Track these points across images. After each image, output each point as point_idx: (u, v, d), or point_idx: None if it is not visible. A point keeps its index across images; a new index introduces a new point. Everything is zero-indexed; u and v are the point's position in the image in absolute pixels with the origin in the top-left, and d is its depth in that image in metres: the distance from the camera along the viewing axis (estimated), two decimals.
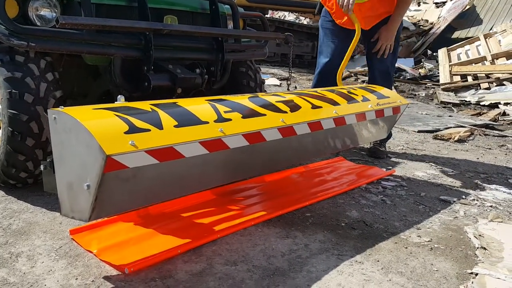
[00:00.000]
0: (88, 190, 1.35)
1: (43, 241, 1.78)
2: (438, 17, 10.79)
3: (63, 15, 2.10)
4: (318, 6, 3.34)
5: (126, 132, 1.40)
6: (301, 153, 2.33)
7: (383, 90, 2.83)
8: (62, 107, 1.43)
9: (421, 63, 9.17)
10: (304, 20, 11.93)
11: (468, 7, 10.56)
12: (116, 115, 1.46)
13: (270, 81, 7.29)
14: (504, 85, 6.72)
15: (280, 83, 7.29)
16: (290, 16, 13.16)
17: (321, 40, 3.35)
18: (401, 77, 8.30)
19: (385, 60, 3.20)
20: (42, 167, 1.58)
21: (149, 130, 1.47)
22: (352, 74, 8.66)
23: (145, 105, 1.63)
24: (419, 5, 12.14)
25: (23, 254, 1.68)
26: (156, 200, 1.67)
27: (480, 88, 6.97)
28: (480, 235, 2.08)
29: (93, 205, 1.36)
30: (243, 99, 1.99)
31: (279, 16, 12.88)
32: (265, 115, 1.92)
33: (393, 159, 3.33)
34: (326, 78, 3.24)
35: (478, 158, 3.58)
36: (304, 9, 10.26)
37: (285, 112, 2.02)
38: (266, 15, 10.68)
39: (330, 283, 1.61)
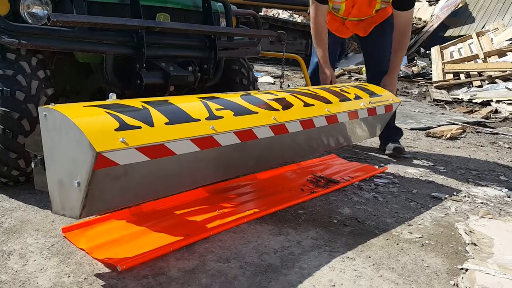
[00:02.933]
0: (78, 187, 1.35)
1: (35, 239, 1.78)
2: (431, 15, 10.84)
3: (55, 13, 2.09)
4: None
5: (116, 129, 1.40)
6: (293, 151, 2.33)
7: (376, 89, 2.84)
8: (53, 104, 1.42)
9: (414, 61, 9.21)
10: (298, 18, 11.93)
11: (460, 5, 10.62)
12: (107, 112, 1.46)
13: (264, 79, 7.29)
14: (496, 83, 6.77)
15: (274, 81, 7.30)
16: (284, 14, 13.16)
17: None
18: None
19: (384, 61, 3.14)
20: (32, 165, 1.57)
21: (139, 127, 1.47)
22: (346, 72, 8.68)
23: (136, 102, 1.63)
24: None
25: (15, 252, 1.67)
26: (147, 198, 1.68)
27: (472, 86, 7.01)
28: (470, 231, 2.10)
29: (84, 202, 1.36)
30: (235, 97, 2.00)
31: (273, 14, 12.88)
32: (257, 112, 1.92)
33: (385, 156, 3.35)
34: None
35: (469, 155, 3.61)
36: (298, 7, 10.26)
37: (277, 110, 2.03)
38: (259, 13, 10.67)
39: (322, 279, 1.62)
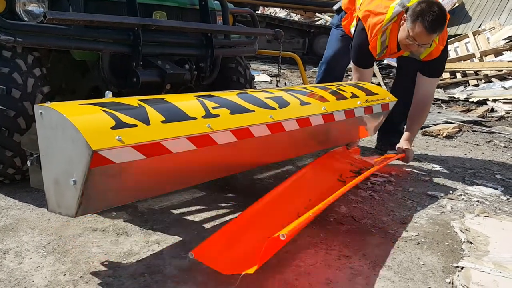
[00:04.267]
0: (74, 185, 1.35)
1: (31, 237, 1.77)
2: None
3: (51, 11, 2.09)
4: (338, 6, 3.37)
5: (112, 128, 1.39)
6: (290, 149, 2.33)
7: (372, 87, 2.85)
8: (49, 102, 1.42)
9: None
10: (295, 17, 11.94)
11: (457, 4, 10.64)
12: (103, 111, 1.45)
13: (261, 77, 7.29)
14: (492, 82, 6.79)
15: (271, 80, 7.29)
16: (281, 13, 13.17)
17: (331, 35, 3.44)
18: (391, 74, 8.34)
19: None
20: (28, 163, 1.57)
21: (136, 125, 1.46)
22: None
23: (132, 100, 1.63)
24: None
25: (11, 250, 1.67)
26: (144, 196, 1.67)
27: (468, 85, 7.03)
28: (466, 230, 2.11)
29: (80, 200, 1.36)
30: (232, 95, 1.99)
31: (270, 13, 12.88)
32: (253, 111, 1.92)
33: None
34: (331, 68, 3.35)
35: (466, 154, 3.62)
36: (297, 5, 10.27)
37: (274, 108, 2.03)
38: (256, 12, 10.67)
39: (318, 277, 1.63)
